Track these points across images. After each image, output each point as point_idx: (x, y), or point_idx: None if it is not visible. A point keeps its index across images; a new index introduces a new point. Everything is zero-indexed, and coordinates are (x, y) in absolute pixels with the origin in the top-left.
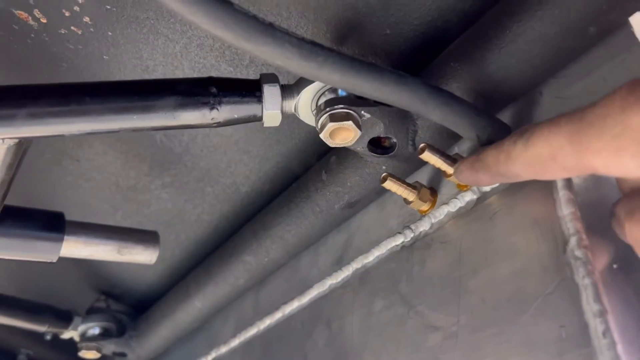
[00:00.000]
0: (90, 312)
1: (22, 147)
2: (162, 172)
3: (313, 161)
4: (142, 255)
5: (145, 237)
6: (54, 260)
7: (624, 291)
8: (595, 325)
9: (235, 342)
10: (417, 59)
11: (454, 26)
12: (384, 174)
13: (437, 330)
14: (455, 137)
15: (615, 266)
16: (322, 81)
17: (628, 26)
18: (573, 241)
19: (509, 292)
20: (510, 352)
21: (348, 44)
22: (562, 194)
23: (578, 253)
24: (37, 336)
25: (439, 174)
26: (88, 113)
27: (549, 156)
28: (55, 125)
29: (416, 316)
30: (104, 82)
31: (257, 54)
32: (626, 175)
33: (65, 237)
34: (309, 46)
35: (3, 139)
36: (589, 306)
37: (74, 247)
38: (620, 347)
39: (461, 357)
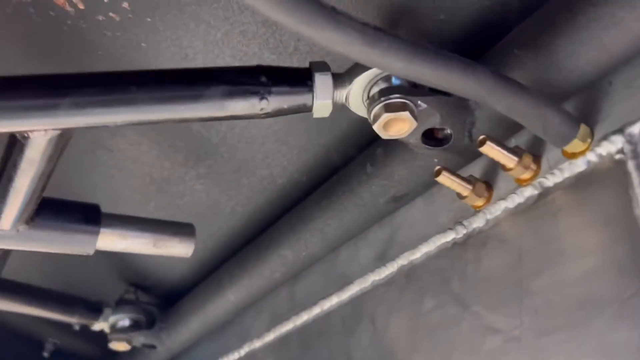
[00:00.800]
0: (120, 304)
1: (64, 139)
2: (197, 163)
3: (353, 153)
4: (178, 248)
5: (181, 229)
6: (91, 253)
7: None
8: None
9: (270, 337)
10: (473, 46)
11: (514, 11)
12: (437, 168)
13: (497, 333)
14: (513, 129)
15: None
16: (384, 69)
17: None
18: None
19: (579, 295)
20: (584, 358)
21: (399, 30)
22: (638, 192)
23: None
24: (64, 326)
25: (494, 168)
26: (134, 103)
27: None
28: (100, 115)
29: (472, 317)
30: (149, 71)
31: (318, 40)
32: None
33: (102, 230)
34: (373, 32)
35: (45, 130)
36: None
37: (110, 240)
38: None
39: None
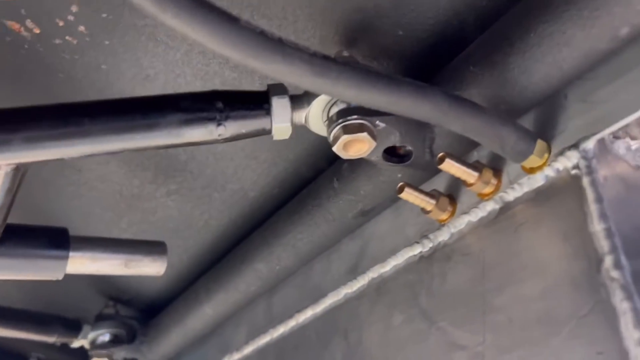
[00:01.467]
0: (100, 319)
1: (20, 172)
2: (166, 180)
3: (323, 165)
4: (150, 268)
5: (152, 248)
6: (60, 278)
7: None
8: (637, 354)
9: (248, 349)
10: (432, 60)
11: (470, 26)
12: (400, 184)
13: (462, 349)
14: (474, 143)
15: None
16: (336, 97)
17: None
18: (608, 261)
19: (538, 312)
20: None
21: (358, 47)
22: (593, 208)
23: (614, 274)
24: None
25: (457, 181)
26: (88, 135)
27: None
28: (54, 148)
29: (438, 333)
30: (103, 101)
31: (266, 72)
32: None
33: (71, 254)
34: (321, 61)
35: None
36: (629, 332)
37: (80, 264)
38: None
39: None
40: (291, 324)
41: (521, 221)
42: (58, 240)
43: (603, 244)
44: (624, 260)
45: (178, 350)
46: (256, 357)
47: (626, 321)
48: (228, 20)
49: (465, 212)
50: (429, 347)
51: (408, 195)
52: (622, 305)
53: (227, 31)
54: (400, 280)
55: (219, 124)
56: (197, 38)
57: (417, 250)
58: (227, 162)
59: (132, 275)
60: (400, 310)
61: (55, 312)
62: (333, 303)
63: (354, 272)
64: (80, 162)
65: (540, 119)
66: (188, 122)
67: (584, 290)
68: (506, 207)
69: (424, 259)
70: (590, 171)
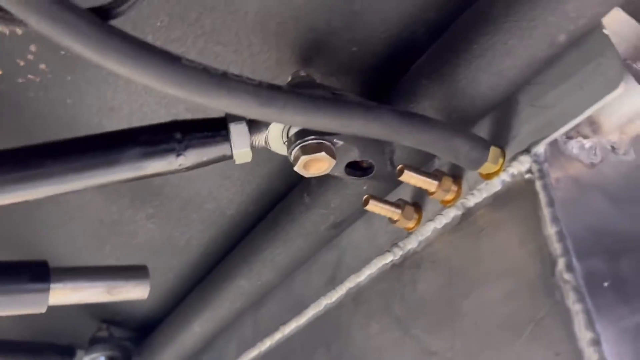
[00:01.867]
0: (93, 342)
1: None
2: (144, 205)
3: (295, 179)
4: (133, 292)
5: (134, 273)
6: (43, 311)
7: (619, 316)
8: (590, 355)
9: None
10: (389, 72)
11: (421, 36)
12: (365, 197)
13: (434, 355)
14: None
15: (606, 284)
16: (285, 124)
17: (600, 30)
18: (561, 263)
19: (501, 316)
20: None
21: (315, 66)
22: (545, 212)
23: (567, 276)
24: None
25: (422, 189)
26: (50, 176)
27: None
28: (16, 192)
29: (412, 341)
30: (62, 141)
31: (214, 106)
32: None
33: (52, 286)
34: (267, 92)
35: None
36: (582, 333)
37: (62, 295)
38: None
39: None
40: (277, 336)
41: (483, 226)
42: (38, 273)
43: (556, 247)
44: (575, 262)
45: None
46: None
47: (579, 322)
48: (170, 61)
49: (431, 220)
50: (404, 355)
51: (374, 207)
52: (575, 307)
53: (169, 71)
54: (375, 289)
55: (178, 155)
56: (141, 80)
57: (388, 258)
58: (201, 184)
59: None
60: (377, 320)
61: (48, 340)
62: (315, 314)
63: (332, 282)
64: (56, 194)
65: (496, 124)
66: (148, 155)
67: (541, 293)
68: (468, 213)
69: (395, 267)
70: (542, 175)
